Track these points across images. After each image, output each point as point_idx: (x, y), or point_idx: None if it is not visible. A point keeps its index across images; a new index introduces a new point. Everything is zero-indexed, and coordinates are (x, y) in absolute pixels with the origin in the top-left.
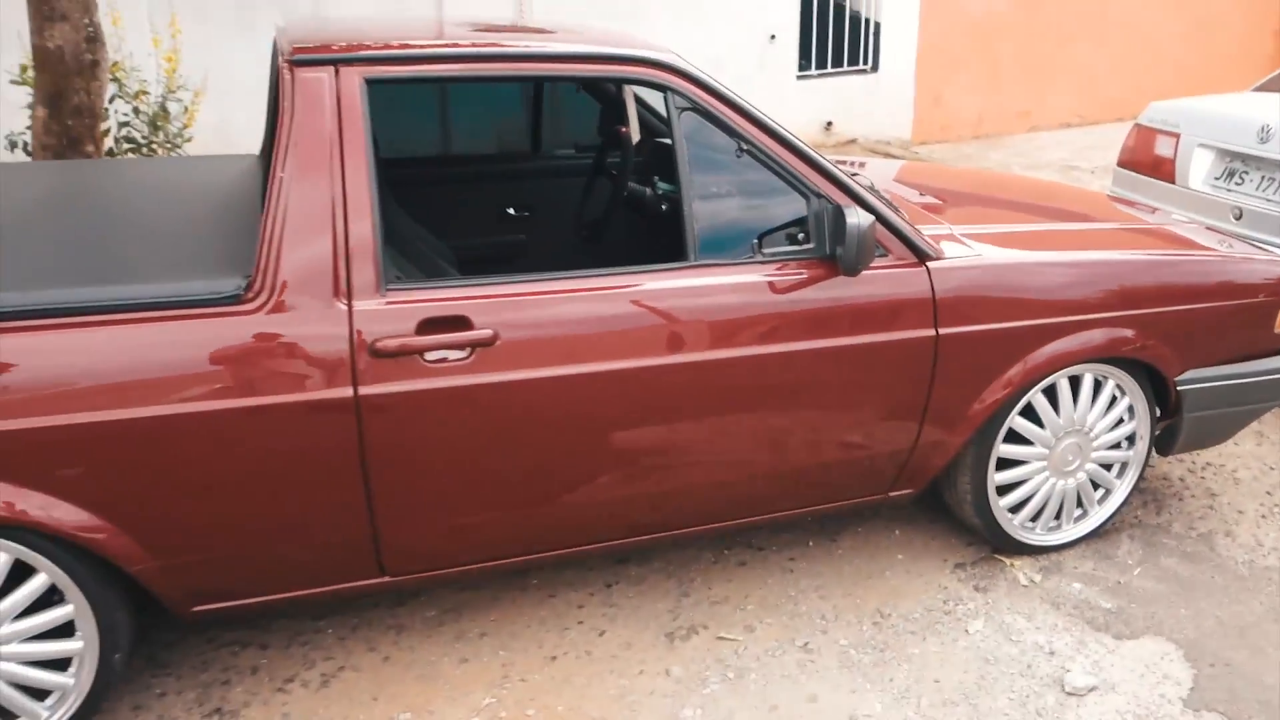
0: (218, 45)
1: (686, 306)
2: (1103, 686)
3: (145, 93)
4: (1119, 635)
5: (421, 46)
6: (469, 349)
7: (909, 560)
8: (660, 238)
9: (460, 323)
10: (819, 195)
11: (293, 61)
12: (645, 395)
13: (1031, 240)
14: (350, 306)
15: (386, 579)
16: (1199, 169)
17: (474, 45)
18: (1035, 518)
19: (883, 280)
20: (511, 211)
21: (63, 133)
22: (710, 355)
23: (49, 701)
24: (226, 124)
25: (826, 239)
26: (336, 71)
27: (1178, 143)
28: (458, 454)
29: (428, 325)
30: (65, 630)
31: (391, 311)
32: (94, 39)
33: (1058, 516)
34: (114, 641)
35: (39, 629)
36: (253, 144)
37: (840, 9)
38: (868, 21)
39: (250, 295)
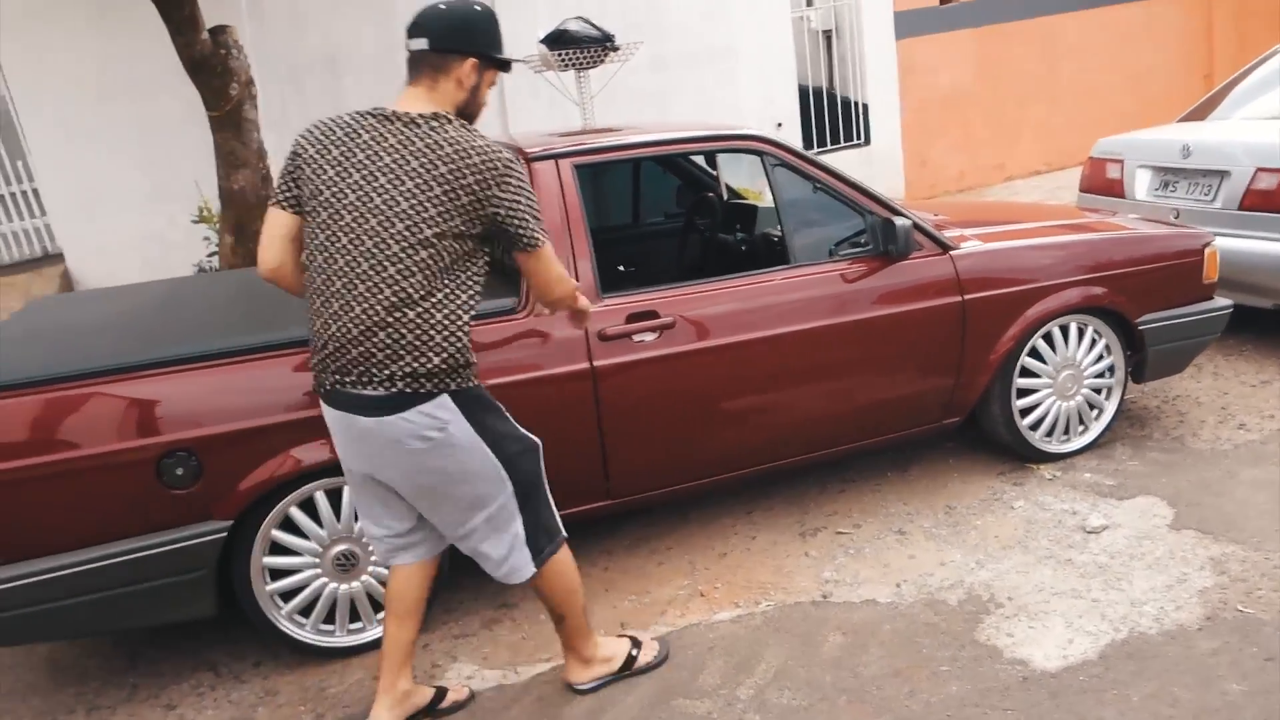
0: None
1: (790, 293)
2: (1112, 525)
3: None
4: (1120, 497)
5: (606, 142)
6: (658, 331)
7: (963, 476)
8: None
9: (651, 314)
10: (872, 213)
11: (529, 158)
12: (767, 355)
13: (1018, 234)
14: None
15: (610, 501)
16: (1141, 184)
17: (638, 138)
18: (1050, 433)
19: (921, 267)
20: (621, 269)
21: (245, 254)
22: (806, 326)
23: None
24: None
25: (880, 241)
26: (557, 163)
27: (1123, 166)
28: (654, 401)
29: (632, 317)
30: None
31: (611, 310)
32: (266, 179)
33: (1066, 431)
34: None
35: None
36: None
37: (833, 97)
38: (857, 104)
39: (521, 307)
